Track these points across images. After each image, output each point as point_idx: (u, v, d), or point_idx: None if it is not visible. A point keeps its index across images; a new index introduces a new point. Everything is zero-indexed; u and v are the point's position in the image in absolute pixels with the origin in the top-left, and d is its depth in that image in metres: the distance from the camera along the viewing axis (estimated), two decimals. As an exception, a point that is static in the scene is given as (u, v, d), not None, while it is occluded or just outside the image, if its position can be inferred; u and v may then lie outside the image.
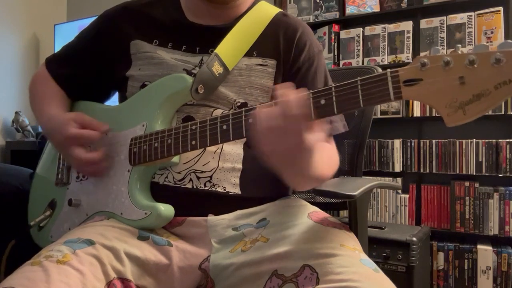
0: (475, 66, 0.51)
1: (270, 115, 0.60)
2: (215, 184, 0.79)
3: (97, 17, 0.96)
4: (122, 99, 0.91)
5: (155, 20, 0.90)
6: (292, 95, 0.60)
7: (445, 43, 2.23)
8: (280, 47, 0.87)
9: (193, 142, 0.73)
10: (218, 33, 0.85)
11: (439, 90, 0.54)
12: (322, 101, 0.61)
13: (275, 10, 0.92)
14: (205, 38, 0.86)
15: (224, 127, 0.69)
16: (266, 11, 0.91)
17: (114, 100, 0.98)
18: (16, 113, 2.88)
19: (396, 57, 2.36)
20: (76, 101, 0.97)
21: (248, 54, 0.85)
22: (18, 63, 3.06)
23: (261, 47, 0.86)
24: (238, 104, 0.83)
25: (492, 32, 2.12)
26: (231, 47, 0.84)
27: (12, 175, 1.15)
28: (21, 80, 3.05)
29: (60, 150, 0.89)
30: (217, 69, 0.81)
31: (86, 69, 0.94)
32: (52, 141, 0.91)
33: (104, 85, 0.96)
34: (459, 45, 0.55)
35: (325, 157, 0.77)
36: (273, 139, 0.60)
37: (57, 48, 2.99)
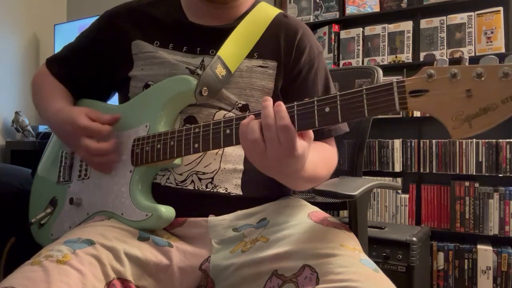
0: (483, 79, 0.51)
1: (251, 128, 0.62)
2: (217, 186, 0.79)
3: (98, 17, 0.96)
4: (123, 100, 0.91)
5: (156, 20, 0.90)
6: (272, 107, 0.62)
7: (445, 43, 2.23)
8: (281, 49, 0.87)
9: (196, 145, 0.73)
10: (219, 34, 0.85)
11: (445, 102, 0.53)
12: (327, 109, 0.61)
13: (275, 11, 0.92)
14: (206, 39, 0.86)
15: (227, 131, 0.69)
16: (267, 12, 0.91)
17: (114, 101, 0.98)
18: (16, 113, 2.87)
19: (396, 57, 2.36)
20: (78, 99, 0.97)
21: (249, 55, 0.85)
22: (18, 63, 3.06)
23: (261, 48, 0.86)
24: (240, 105, 0.83)
25: (492, 32, 2.12)
26: (233, 50, 0.84)
27: (12, 175, 1.16)
28: (21, 80, 3.04)
29: (68, 141, 0.88)
30: (220, 71, 0.81)
31: (87, 69, 0.94)
32: (59, 133, 0.90)
33: (104, 85, 0.96)
34: (467, 57, 0.55)
35: (320, 157, 0.77)
36: (259, 149, 0.61)
37: (57, 48, 3.00)
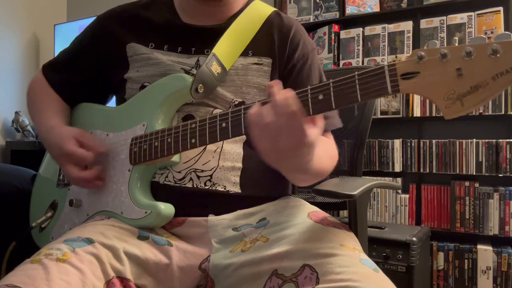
0: (472, 57, 0.52)
1: (265, 113, 0.61)
2: (215, 183, 0.79)
3: (92, 21, 0.96)
4: (120, 102, 0.91)
5: (150, 22, 0.90)
6: (284, 93, 0.61)
7: (445, 43, 2.23)
8: (275, 46, 0.88)
9: (193, 140, 0.73)
10: (213, 34, 0.85)
11: (437, 82, 0.54)
12: (320, 96, 0.61)
13: (269, 9, 0.92)
14: (200, 39, 0.86)
15: (223, 124, 0.69)
16: (261, 11, 0.91)
17: (113, 103, 0.98)
18: (16, 113, 2.87)
19: (396, 57, 2.36)
20: (74, 106, 0.97)
21: (244, 53, 0.86)
22: (18, 63, 3.06)
23: (256, 46, 0.87)
24: (236, 103, 0.83)
25: (492, 32, 2.12)
26: (228, 47, 0.84)
27: (12, 175, 1.15)
28: (21, 80, 3.04)
29: (57, 162, 0.90)
30: (215, 68, 0.82)
31: (83, 74, 0.94)
32: (49, 151, 0.92)
33: (101, 88, 0.96)
34: (456, 38, 0.55)
35: (325, 151, 0.77)
36: (271, 137, 0.60)
37: (57, 48, 3.00)
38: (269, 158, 0.64)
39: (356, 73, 0.59)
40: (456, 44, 0.53)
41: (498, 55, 0.50)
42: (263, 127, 0.61)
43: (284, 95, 0.61)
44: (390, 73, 0.57)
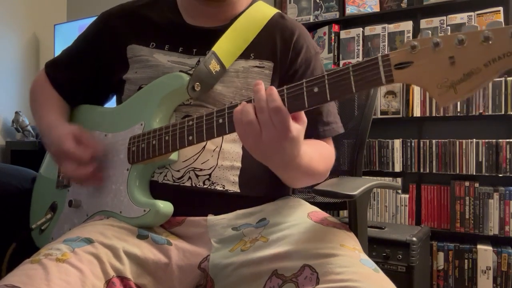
0: (465, 45, 0.52)
1: (248, 111, 0.62)
2: (214, 182, 0.79)
3: (94, 19, 0.96)
4: (119, 102, 0.92)
5: (152, 22, 0.90)
6: (268, 90, 0.63)
7: (445, 43, 2.23)
8: (277, 50, 0.87)
9: (190, 138, 0.73)
10: (215, 35, 0.85)
11: (430, 71, 0.54)
12: (316, 89, 0.62)
13: (272, 11, 0.92)
14: (202, 40, 0.86)
15: (220, 120, 0.69)
16: (263, 12, 0.91)
17: (113, 103, 0.98)
18: (16, 113, 2.87)
19: (396, 57, 2.36)
20: (75, 105, 0.97)
21: (245, 56, 0.85)
22: (18, 63, 3.06)
23: (258, 49, 0.86)
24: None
25: (492, 32, 2.12)
26: (228, 46, 0.84)
27: (12, 175, 1.15)
28: (21, 80, 3.04)
29: (55, 159, 0.90)
30: (214, 67, 0.82)
31: (84, 73, 0.94)
32: (48, 150, 0.92)
33: (102, 88, 0.96)
34: (448, 27, 0.56)
35: (316, 152, 0.78)
36: (254, 133, 0.62)
37: (57, 48, 3.00)
38: (255, 155, 0.66)
39: (351, 64, 0.60)
40: (449, 33, 0.54)
41: (490, 42, 0.50)
42: (246, 123, 0.62)
43: (267, 91, 0.62)
44: (384, 64, 0.57)
